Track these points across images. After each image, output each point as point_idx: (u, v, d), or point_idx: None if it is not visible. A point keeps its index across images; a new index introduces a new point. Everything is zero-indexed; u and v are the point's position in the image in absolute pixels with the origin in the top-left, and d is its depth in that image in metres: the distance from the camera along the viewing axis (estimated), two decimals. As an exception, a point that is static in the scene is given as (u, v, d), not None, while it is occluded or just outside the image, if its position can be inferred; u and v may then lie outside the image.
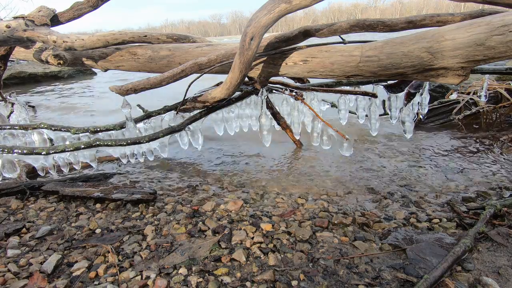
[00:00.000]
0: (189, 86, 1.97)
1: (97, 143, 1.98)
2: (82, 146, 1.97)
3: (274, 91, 2.29)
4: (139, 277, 1.21)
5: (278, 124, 2.51)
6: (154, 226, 1.56)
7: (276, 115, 2.46)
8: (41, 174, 2.17)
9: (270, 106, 2.39)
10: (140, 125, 2.28)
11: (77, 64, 2.35)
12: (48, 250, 1.40)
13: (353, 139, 2.06)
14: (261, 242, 1.39)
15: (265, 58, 1.90)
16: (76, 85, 7.36)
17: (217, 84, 2.10)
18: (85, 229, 1.56)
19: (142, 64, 2.21)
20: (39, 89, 6.79)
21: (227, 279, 1.18)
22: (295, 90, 2.22)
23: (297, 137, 2.59)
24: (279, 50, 1.87)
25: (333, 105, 2.82)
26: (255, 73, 1.97)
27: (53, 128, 2.22)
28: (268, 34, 1.86)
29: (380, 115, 2.46)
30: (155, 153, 2.29)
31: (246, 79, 2.01)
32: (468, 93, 3.02)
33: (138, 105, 2.46)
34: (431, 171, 2.09)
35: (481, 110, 2.89)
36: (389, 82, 2.21)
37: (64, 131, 2.22)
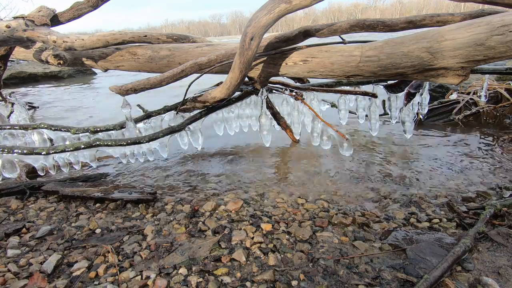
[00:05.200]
0: (189, 86, 1.97)
1: (97, 143, 1.98)
2: (82, 146, 1.97)
3: (274, 91, 2.29)
4: (139, 277, 1.21)
5: (278, 124, 2.52)
6: (154, 226, 1.56)
7: (276, 115, 2.46)
8: (41, 174, 2.17)
9: (270, 106, 2.39)
10: (140, 125, 2.28)
11: (77, 64, 2.35)
12: (48, 250, 1.40)
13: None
14: (261, 242, 1.39)
15: (265, 58, 1.90)
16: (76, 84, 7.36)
17: (217, 84, 2.10)
18: (85, 229, 1.56)
19: (142, 64, 2.22)
20: (40, 89, 6.79)
21: (227, 279, 1.18)
22: (295, 90, 2.22)
23: (297, 137, 2.59)
24: (279, 50, 1.87)
25: (333, 105, 2.83)
26: (255, 73, 1.98)
27: (53, 128, 2.22)
28: (268, 34, 1.86)
29: (380, 115, 2.47)
30: (155, 153, 2.30)
31: (246, 79, 2.01)
32: (468, 93, 3.02)
33: (138, 105, 2.46)
34: (431, 171, 2.09)
35: (481, 110, 2.89)
36: (389, 82, 2.21)
37: (64, 131, 2.22)
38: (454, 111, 2.92)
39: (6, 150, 1.91)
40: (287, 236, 1.43)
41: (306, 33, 1.79)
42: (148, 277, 1.20)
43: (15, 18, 2.13)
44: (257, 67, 1.94)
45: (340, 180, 2.03)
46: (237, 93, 2.22)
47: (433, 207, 1.67)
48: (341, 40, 1.89)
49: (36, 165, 2.08)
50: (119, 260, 1.31)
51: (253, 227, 1.50)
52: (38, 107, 4.81)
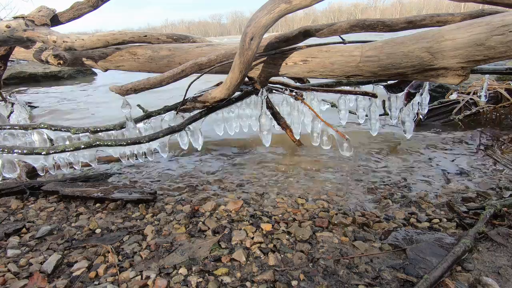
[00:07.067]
0: (189, 86, 1.97)
1: (97, 143, 1.98)
2: (82, 146, 1.97)
3: (274, 91, 2.29)
4: (139, 277, 1.21)
5: (278, 124, 2.51)
6: (154, 226, 1.56)
7: (276, 115, 2.46)
8: (41, 174, 2.17)
9: (270, 106, 2.39)
10: (140, 125, 2.28)
11: (77, 64, 2.35)
12: (48, 250, 1.40)
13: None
14: (261, 242, 1.39)
15: (265, 58, 1.90)
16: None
17: (217, 84, 2.10)
18: (85, 229, 1.56)
19: (142, 64, 2.22)
20: (39, 89, 6.78)
21: (227, 279, 1.18)
22: (295, 90, 2.22)
23: (297, 137, 2.58)
24: (279, 50, 1.87)
25: (333, 105, 2.83)
26: (255, 73, 1.98)
27: (53, 128, 2.22)
28: (268, 34, 1.86)
29: (380, 115, 2.47)
30: (155, 153, 2.29)
31: (246, 79, 2.01)
32: (468, 93, 3.02)
33: (138, 105, 2.46)
34: (431, 171, 2.09)
35: (481, 110, 2.89)
36: (389, 82, 2.21)
37: (64, 131, 2.22)
38: (454, 111, 2.92)
39: (6, 150, 1.91)
40: (287, 236, 1.43)
41: (306, 33, 1.79)
42: (148, 277, 1.20)
43: (15, 18, 2.13)
44: (257, 67, 1.94)
45: (340, 180, 2.03)
46: (237, 93, 2.22)
47: (433, 207, 1.67)
48: (341, 40, 1.89)
49: (36, 165, 2.07)
50: (119, 260, 1.31)
51: (253, 227, 1.50)
52: (38, 107, 4.81)
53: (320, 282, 1.15)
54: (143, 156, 2.27)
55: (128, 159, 2.26)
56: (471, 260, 1.22)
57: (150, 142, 2.07)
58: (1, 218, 1.68)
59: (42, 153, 1.94)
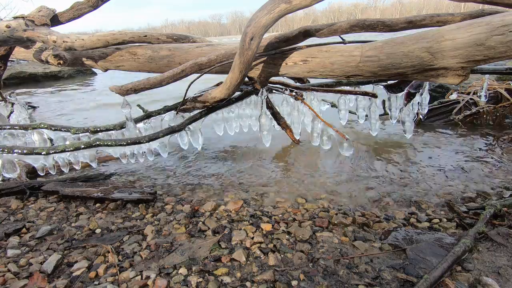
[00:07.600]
0: (189, 86, 1.97)
1: (97, 143, 1.98)
2: (82, 146, 1.97)
3: (274, 91, 2.29)
4: (139, 277, 1.21)
5: (278, 124, 2.51)
6: (154, 226, 1.56)
7: (276, 115, 2.46)
8: (41, 174, 2.17)
9: (270, 106, 2.39)
10: (140, 125, 2.28)
11: (77, 64, 2.35)
12: (48, 250, 1.40)
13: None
14: (261, 242, 1.39)
15: (265, 58, 1.90)
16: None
17: (217, 84, 2.10)
18: (85, 229, 1.56)
19: (142, 64, 2.22)
20: (39, 89, 6.78)
21: (227, 279, 1.18)
22: (295, 90, 2.22)
23: (297, 137, 2.59)
24: (279, 50, 1.87)
25: (333, 105, 2.83)
26: (255, 73, 1.97)
27: (53, 128, 2.22)
28: (268, 34, 1.86)
29: (380, 115, 2.47)
30: (155, 153, 2.29)
31: (246, 79, 2.01)
32: (468, 93, 3.02)
33: (138, 105, 2.46)
34: (431, 171, 2.09)
35: (481, 110, 2.89)
36: (389, 82, 2.21)
37: (64, 131, 2.22)
38: (454, 111, 2.92)
39: (6, 150, 1.91)
40: (287, 236, 1.43)
41: (306, 33, 1.79)
42: (148, 277, 1.20)
43: (15, 18, 2.13)
44: (257, 67, 1.94)
45: (340, 180, 2.03)
46: (237, 93, 2.22)
47: (433, 207, 1.67)
48: (341, 40, 1.89)
49: (36, 165, 2.07)
50: (119, 260, 1.31)
51: (253, 227, 1.50)
52: (38, 107, 4.81)
53: (320, 282, 1.15)
54: (143, 156, 2.27)
55: (128, 159, 2.26)
56: (471, 260, 1.22)
57: (150, 142, 2.07)
58: (1, 218, 1.68)
59: (42, 153, 1.94)
